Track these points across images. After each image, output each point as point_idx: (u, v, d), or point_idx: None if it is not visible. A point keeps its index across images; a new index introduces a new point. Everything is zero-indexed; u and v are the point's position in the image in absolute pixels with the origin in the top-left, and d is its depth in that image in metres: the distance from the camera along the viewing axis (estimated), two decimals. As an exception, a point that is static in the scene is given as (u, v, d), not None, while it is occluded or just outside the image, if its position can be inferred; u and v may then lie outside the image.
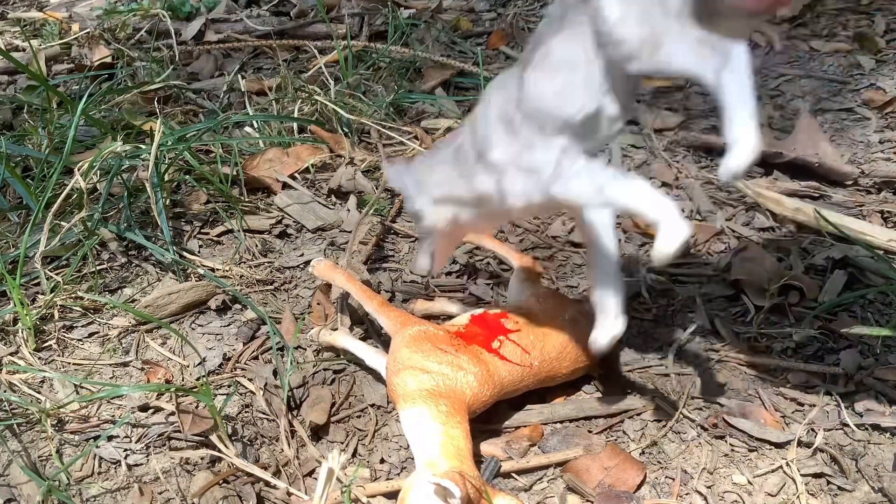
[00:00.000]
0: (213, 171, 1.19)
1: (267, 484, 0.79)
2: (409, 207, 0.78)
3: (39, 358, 0.93)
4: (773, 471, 0.79)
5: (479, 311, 0.86)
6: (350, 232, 1.12)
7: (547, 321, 0.84)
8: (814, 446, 0.80)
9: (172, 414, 0.85)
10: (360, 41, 1.66)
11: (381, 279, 1.05)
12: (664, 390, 0.87)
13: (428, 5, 1.85)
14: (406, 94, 1.46)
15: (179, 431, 0.83)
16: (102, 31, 1.73)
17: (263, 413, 0.87)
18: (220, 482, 0.78)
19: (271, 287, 1.05)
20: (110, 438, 0.84)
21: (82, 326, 0.99)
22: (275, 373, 0.91)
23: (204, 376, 0.91)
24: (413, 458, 0.73)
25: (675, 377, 0.89)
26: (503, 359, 0.80)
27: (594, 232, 0.73)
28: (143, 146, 1.13)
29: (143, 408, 0.87)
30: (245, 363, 0.93)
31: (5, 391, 0.88)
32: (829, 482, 0.77)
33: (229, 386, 0.90)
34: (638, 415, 0.85)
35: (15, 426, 0.85)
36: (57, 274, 1.03)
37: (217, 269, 1.06)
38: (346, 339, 0.91)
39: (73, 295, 1.01)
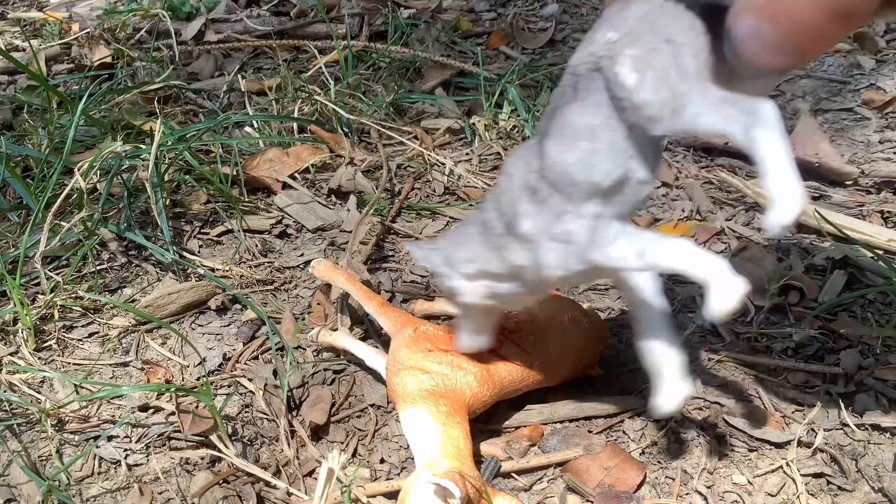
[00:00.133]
0: (213, 171, 1.19)
1: (267, 484, 0.79)
2: (441, 286, 0.75)
3: (39, 358, 0.94)
4: (773, 471, 0.79)
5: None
6: (350, 232, 1.12)
7: (547, 321, 0.84)
8: (814, 446, 0.80)
9: (172, 414, 0.85)
10: (360, 41, 1.66)
11: (381, 279, 1.05)
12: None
13: (428, 5, 1.85)
14: (406, 94, 1.47)
15: (179, 431, 0.83)
16: (102, 31, 1.73)
17: (263, 413, 0.87)
18: (220, 482, 0.78)
19: (271, 287, 1.05)
20: (110, 438, 0.84)
21: (82, 326, 0.99)
22: (275, 373, 0.91)
23: (204, 376, 0.91)
24: (413, 458, 0.73)
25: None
26: (503, 359, 0.80)
27: (640, 296, 0.71)
28: (143, 146, 1.13)
29: (143, 408, 0.87)
30: (245, 363, 0.93)
31: (5, 391, 0.88)
32: (829, 482, 0.77)
33: (229, 386, 0.90)
34: (638, 415, 0.85)
35: (15, 426, 0.85)
36: (57, 274, 1.03)
37: (217, 269, 1.06)
38: (346, 340, 0.91)
39: (73, 295, 1.01)
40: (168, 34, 1.68)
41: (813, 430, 0.82)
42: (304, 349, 0.95)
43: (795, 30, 0.53)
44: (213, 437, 0.82)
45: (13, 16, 1.95)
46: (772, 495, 0.76)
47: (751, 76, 0.59)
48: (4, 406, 0.87)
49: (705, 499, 0.76)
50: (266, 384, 0.90)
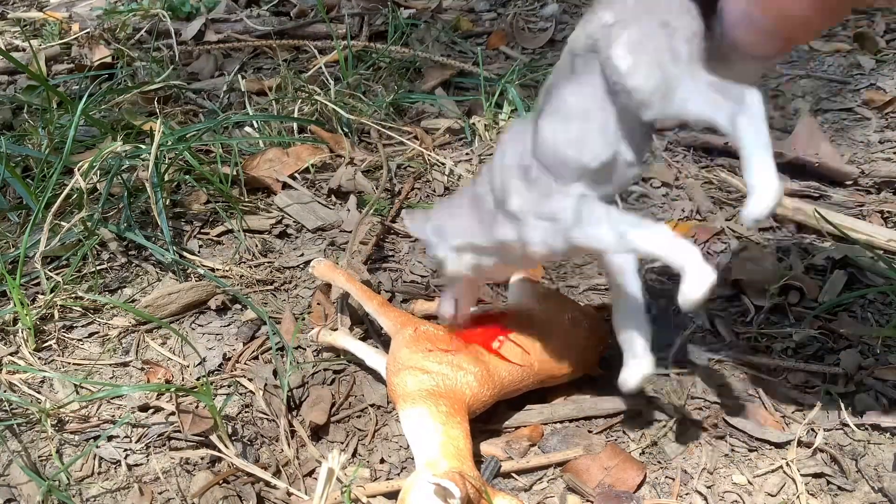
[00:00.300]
0: (213, 171, 1.19)
1: (267, 484, 0.79)
2: (430, 255, 0.78)
3: (39, 358, 0.94)
4: (773, 471, 0.79)
5: (479, 311, 0.87)
6: (350, 232, 1.12)
7: (547, 321, 0.84)
8: (814, 446, 0.80)
9: (172, 414, 0.85)
10: (360, 41, 1.66)
11: (381, 279, 1.05)
12: (664, 390, 0.87)
13: (428, 5, 1.85)
14: (406, 94, 1.46)
15: (179, 431, 0.83)
16: (102, 31, 1.73)
17: (263, 413, 0.87)
18: (220, 482, 0.78)
19: (271, 287, 1.05)
20: (110, 438, 0.84)
21: (82, 326, 0.99)
22: (275, 373, 0.91)
23: (204, 376, 0.91)
24: (413, 458, 0.73)
25: (675, 377, 0.89)
26: (503, 359, 0.80)
27: (617, 275, 0.73)
28: (143, 146, 1.13)
29: (143, 408, 0.87)
30: (245, 363, 0.93)
31: (5, 391, 0.88)
32: (829, 482, 0.77)
33: (229, 386, 0.90)
34: (638, 415, 0.85)
35: (15, 426, 0.85)
36: (57, 274, 1.03)
37: (217, 269, 1.06)
38: (346, 340, 0.91)
39: (73, 295, 1.01)
40: (168, 34, 1.68)
41: (813, 430, 0.82)
42: (304, 349, 0.95)
43: (783, 18, 0.55)
44: (213, 437, 0.82)
45: (13, 16, 1.95)
46: (772, 495, 0.76)
47: (740, 60, 0.60)
48: (4, 406, 0.87)
49: (705, 499, 0.76)
50: (266, 384, 0.89)
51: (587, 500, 0.76)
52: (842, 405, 0.84)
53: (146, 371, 0.92)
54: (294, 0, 1.91)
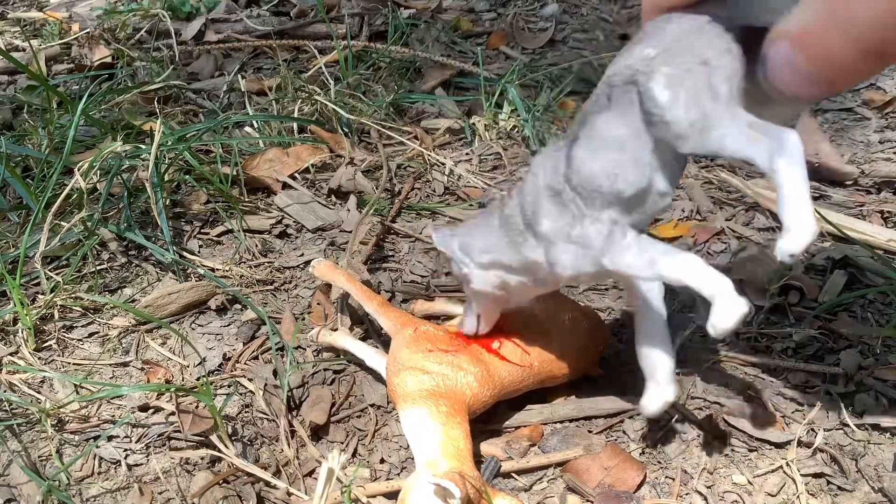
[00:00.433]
0: (213, 171, 1.19)
1: (267, 484, 0.79)
2: (455, 271, 0.79)
3: (39, 358, 0.94)
4: (773, 471, 0.79)
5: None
6: (350, 232, 1.12)
7: (547, 321, 0.84)
8: (814, 446, 0.80)
9: (172, 414, 0.85)
10: (360, 41, 1.66)
11: (381, 279, 1.05)
12: (664, 390, 0.87)
13: (428, 5, 1.85)
14: (406, 94, 1.47)
15: (179, 431, 0.83)
16: (102, 31, 1.73)
17: (263, 413, 0.87)
18: (220, 482, 0.78)
19: (271, 287, 1.05)
20: (110, 438, 0.84)
21: (82, 326, 0.99)
22: (275, 373, 0.91)
23: (204, 376, 0.91)
24: (413, 458, 0.73)
25: (675, 377, 0.89)
26: (503, 359, 0.80)
27: (643, 300, 0.74)
28: (143, 146, 1.13)
29: (143, 408, 0.87)
30: (245, 363, 0.93)
31: (5, 391, 0.88)
32: (829, 482, 0.77)
33: (229, 386, 0.90)
34: (638, 415, 0.85)
35: (15, 426, 0.85)
36: (57, 274, 1.03)
37: (217, 269, 1.06)
38: (346, 340, 0.91)
39: (73, 295, 1.01)
40: (168, 34, 1.68)
41: (813, 430, 0.82)
42: (304, 349, 0.95)
43: (826, 63, 0.54)
44: (213, 437, 0.82)
45: (13, 16, 1.95)
46: (772, 495, 0.76)
47: (780, 101, 0.60)
48: (4, 406, 0.87)
49: (705, 499, 0.76)
50: (266, 384, 0.89)
51: (587, 500, 0.76)
52: (842, 405, 0.84)
53: (146, 371, 0.92)
54: (294, 0, 1.91)
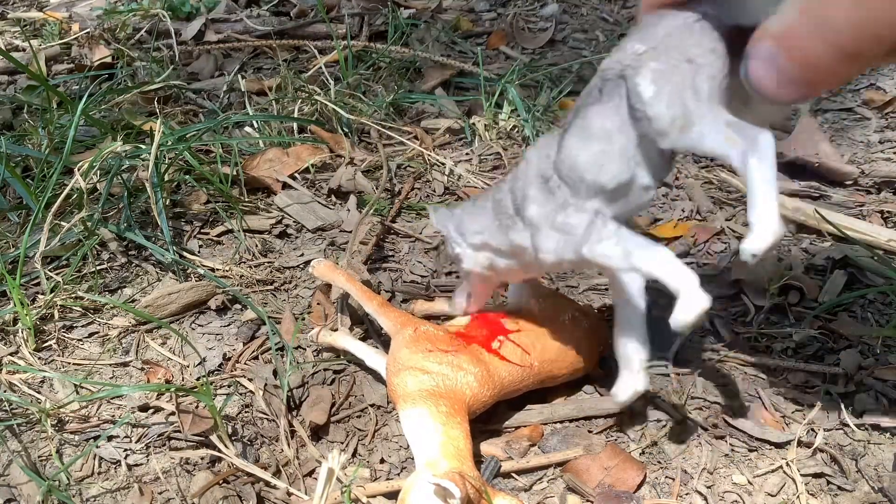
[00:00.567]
0: (213, 171, 1.19)
1: (267, 484, 0.79)
2: (449, 250, 0.82)
3: (39, 358, 0.94)
4: (773, 471, 0.79)
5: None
6: (350, 232, 1.12)
7: (547, 321, 0.84)
8: (814, 446, 0.80)
9: (172, 414, 0.85)
10: (360, 41, 1.66)
11: (381, 279, 1.05)
12: (664, 390, 0.87)
13: (428, 5, 1.85)
14: (406, 94, 1.46)
15: (179, 431, 0.83)
16: (102, 31, 1.73)
17: (263, 413, 0.87)
18: (220, 482, 0.78)
19: (271, 287, 1.05)
20: (110, 438, 0.84)
21: (82, 326, 0.99)
22: (275, 373, 0.91)
23: (204, 376, 0.91)
24: (413, 458, 0.73)
25: (675, 377, 0.89)
26: (503, 359, 0.80)
27: (623, 291, 0.75)
28: (143, 146, 1.13)
29: (143, 408, 0.87)
30: (245, 363, 0.93)
31: (5, 391, 0.88)
32: (829, 482, 0.77)
33: (229, 386, 0.90)
34: (638, 415, 0.85)
35: (15, 426, 0.85)
36: (57, 274, 1.03)
37: (217, 269, 1.06)
38: (346, 340, 0.91)
39: (73, 295, 1.01)
40: (168, 34, 1.68)
41: (813, 430, 0.82)
42: (304, 349, 0.95)
43: (806, 65, 0.55)
44: (213, 437, 0.82)
45: (13, 16, 1.95)
46: (772, 495, 0.76)
47: (761, 101, 0.61)
48: (4, 406, 0.87)
49: (705, 499, 0.76)
50: (266, 384, 0.89)
51: (587, 500, 0.76)
52: (842, 405, 0.84)
53: (146, 371, 0.92)
54: (294, 0, 1.91)
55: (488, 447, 0.81)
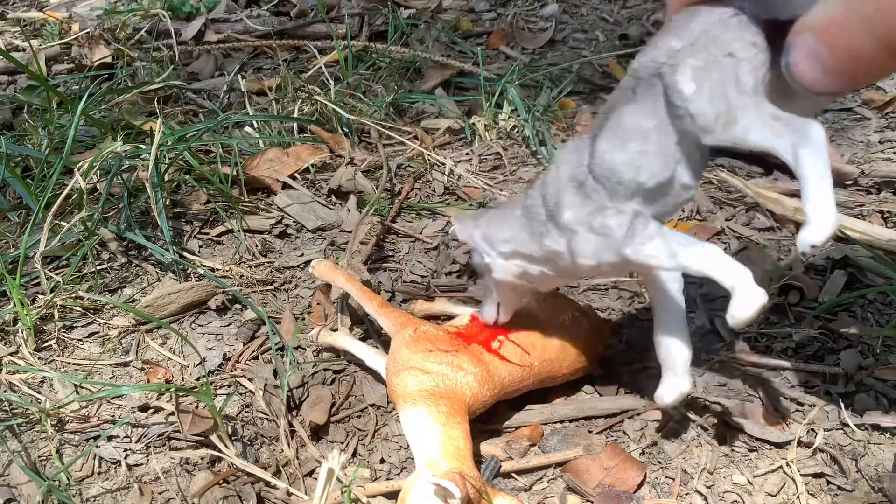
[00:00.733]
0: (213, 171, 1.19)
1: (267, 484, 0.79)
2: (476, 260, 0.80)
3: (39, 358, 0.94)
4: (773, 471, 0.79)
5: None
6: (350, 232, 1.12)
7: (547, 321, 0.84)
8: (814, 446, 0.80)
9: (172, 414, 0.85)
10: (360, 41, 1.66)
11: (381, 279, 1.05)
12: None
13: (428, 5, 1.86)
14: (406, 94, 1.47)
15: (179, 431, 0.83)
16: (102, 31, 1.73)
17: (263, 413, 0.87)
18: (220, 482, 0.78)
19: (271, 287, 1.05)
20: (110, 438, 0.84)
21: (82, 326, 0.99)
22: (275, 373, 0.91)
23: (204, 376, 0.91)
24: (413, 458, 0.73)
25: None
26: (503, 359, 0.80)
27: (663, 292, 0.74)
28: (143, 146, 1.13)
29: (143, 408, 0.87)
30: (245, 363, 0.93)
31: (5, 391, 0.88)
32: (829, 482, 0.77)
33: (229, 386, 0.90)
34: (638, 415, 0.85)
35: (15, 426, 0.85)
36: (57, 274, 1.03)
37: (217, 269, 1.06)
38: (346, 340, 0.91)
39: (73, 295, 1.01)
40: (168, 34, 1.68)
41: (813, 430, 0.82)
42: (304, 349, 0.95)
43: (849, 58, 0.55)
44: (213, 437, 0.82)
45: (13, 16, 1.95)
46: (772, 495, 0.76)
47: (804, 94, 0.60)
48: (4, 406, 0.87)
49: (705, 499, 0.76)
50: (266, 384, 0.89)
51: (587, 500, 0.76)
52: (842, 405, 0.84)
53: (146, 371, 0.92)
54: (294, 0, 1.91)
55: (488, 447, 0.81)
